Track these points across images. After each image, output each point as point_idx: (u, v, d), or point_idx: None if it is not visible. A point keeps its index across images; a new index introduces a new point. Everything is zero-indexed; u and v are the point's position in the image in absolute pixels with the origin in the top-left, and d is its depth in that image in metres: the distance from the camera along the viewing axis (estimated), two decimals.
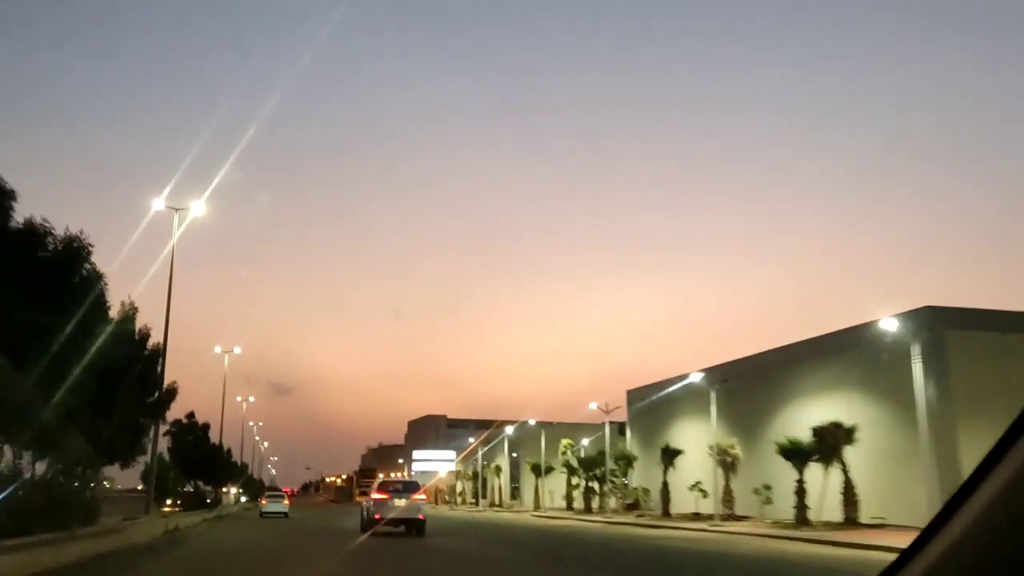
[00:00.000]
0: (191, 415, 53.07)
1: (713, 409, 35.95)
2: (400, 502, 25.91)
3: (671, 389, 49.68)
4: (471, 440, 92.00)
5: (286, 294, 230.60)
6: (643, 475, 51.44)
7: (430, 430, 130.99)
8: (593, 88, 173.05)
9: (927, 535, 1.59)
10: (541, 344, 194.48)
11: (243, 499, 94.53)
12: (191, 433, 53.52)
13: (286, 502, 57.15)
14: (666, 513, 43.45)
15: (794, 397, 37.69)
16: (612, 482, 51.81)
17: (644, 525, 37.61)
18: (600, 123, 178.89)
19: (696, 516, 40.66)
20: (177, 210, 33.16)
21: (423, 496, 27.89)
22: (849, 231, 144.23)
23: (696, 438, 45.94)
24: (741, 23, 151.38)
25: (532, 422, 63.05)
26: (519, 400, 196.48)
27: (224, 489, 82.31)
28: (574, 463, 55.96)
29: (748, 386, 39.49)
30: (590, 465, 54.32)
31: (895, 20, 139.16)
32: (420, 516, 25.93)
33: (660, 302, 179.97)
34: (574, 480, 57.63)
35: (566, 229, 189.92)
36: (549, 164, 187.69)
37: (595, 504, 54.64)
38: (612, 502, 52.83)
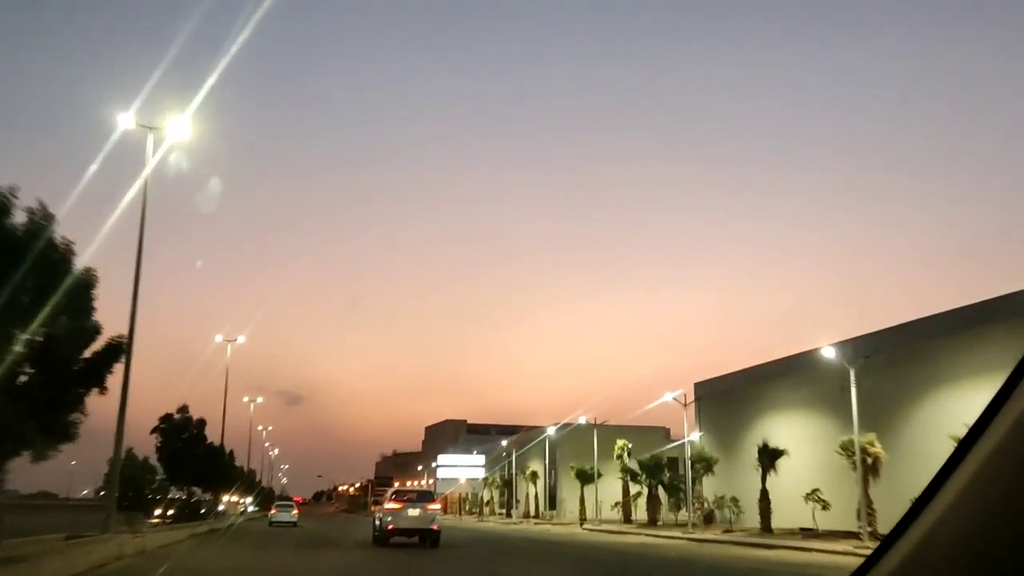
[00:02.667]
0: (184, 409, 45.01)
1: (854, 392, 27.43)
2: (414, 512, 25.26)
3: (754, 374, 41.32)
4: (494, 445, 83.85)
5: (297, 304, 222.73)
6: (720, 481, 42.92)
7: (449, 435, 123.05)
8: (616, 85, 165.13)
9: (894, 536, 1.61)
10: (559, 352, 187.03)
11: (250, 508, 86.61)
12: (185, 430, 45.45)
13: (295, 511, 53.69)
14: (766, 528, 34.92)
15: (951, 380, 29.23)
16: (681, 489, 43.56)
17: (754, 544, 29.05)
18: (618, 118, 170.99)
19: (808, 532, 32.22)
20: (151, 129, 25.89)
21: (438, 506, 27.23)
22: (883, 229, 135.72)
23: (798, 436, 37.54)
24: (746, 33, 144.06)
25: (583, 420, 54.51)
26: (537, 408, 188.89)
27: (233, 498, 74.45)
28: (634, 467, 47.41)
29: (881, 368, 30.98)
30: (654, 470, 45.82)
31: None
32: (435, 527, 25.21)
33: (677, 308, 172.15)
34: (634, 488, 49.06)
35: (581, 238, 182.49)
36: (560, 171, 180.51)
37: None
38: (684, 514, 44.65)
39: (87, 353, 14.85)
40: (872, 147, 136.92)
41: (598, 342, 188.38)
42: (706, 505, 42.51)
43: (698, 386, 48.01)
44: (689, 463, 40.17)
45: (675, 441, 63.41)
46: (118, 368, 19.61)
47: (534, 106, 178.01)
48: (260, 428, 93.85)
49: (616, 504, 56.39)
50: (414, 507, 25.44)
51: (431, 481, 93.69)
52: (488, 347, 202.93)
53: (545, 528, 50.15)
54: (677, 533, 37.38)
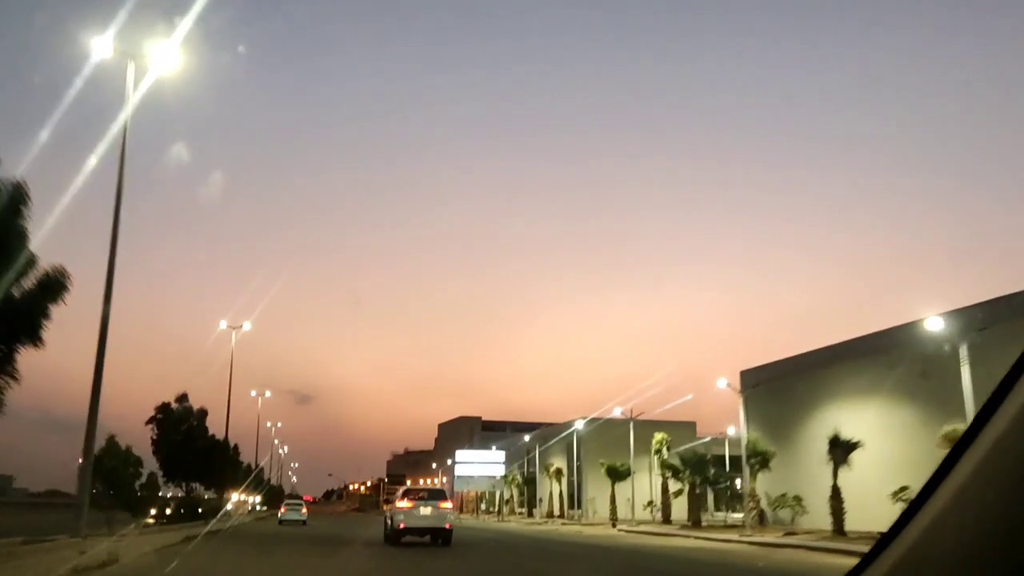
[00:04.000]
0: (183, 398, 41.14)
1: (965, 374, 23.09)
2: (426, 510, 25.14)
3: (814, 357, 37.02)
4: (511, 442, 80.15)
5: (305, 303, 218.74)
6: (775, 477, 38.68)
7: (463, 433, 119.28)
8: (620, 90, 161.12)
9: (890, 536, 1.56)
10: (569, 350, 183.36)
11: (259, 507, 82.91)
12: (184, 422, 41.58)
13: (305, 510, 52.44)
14: (838, 530, 30.71)
15: None
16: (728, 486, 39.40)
17: (840, 550, 24.80)
18: (621, 117, 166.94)
19: None
20: (132, 58, 22.16)
21: (450, 504, 27.06)
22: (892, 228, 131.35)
23: (870, 427, 33.33)
24: (751, 29, 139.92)
25: (618, 411, 50.50)
26: (548, 406, 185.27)
27: (241, 496, 70.70)
28: (676, 463, 43.26)
29: (977, 347, 26.67)
30: (699, 466, 41.64)
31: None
32: (447, 525, 25.17)
33: (684, 307, 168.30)
34: (673, 485, 44.89)
35: (588, 236, 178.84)
36: (563, 169, 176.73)
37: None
38: (722, 514, 40.52)
39: (15, 293, 10.82)
40: (880, 143, 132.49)
41: (609, 339, 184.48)
42: (761, 504, 38.28)
43: (745, 375, 43.79)
44: (745, 458, 35.94)
45: (702, 437, 59.54)
46: (87, 339, 15.71)
47: (539, 104, 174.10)
48: (268, 425, 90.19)
49: (649, 503, 52.42)
50: (426, 505, 25.42)
51: (446, 479, 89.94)
52: (498, 345, 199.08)
53: (576, 529, 46.03)
54: (732, 535, 33.21)
